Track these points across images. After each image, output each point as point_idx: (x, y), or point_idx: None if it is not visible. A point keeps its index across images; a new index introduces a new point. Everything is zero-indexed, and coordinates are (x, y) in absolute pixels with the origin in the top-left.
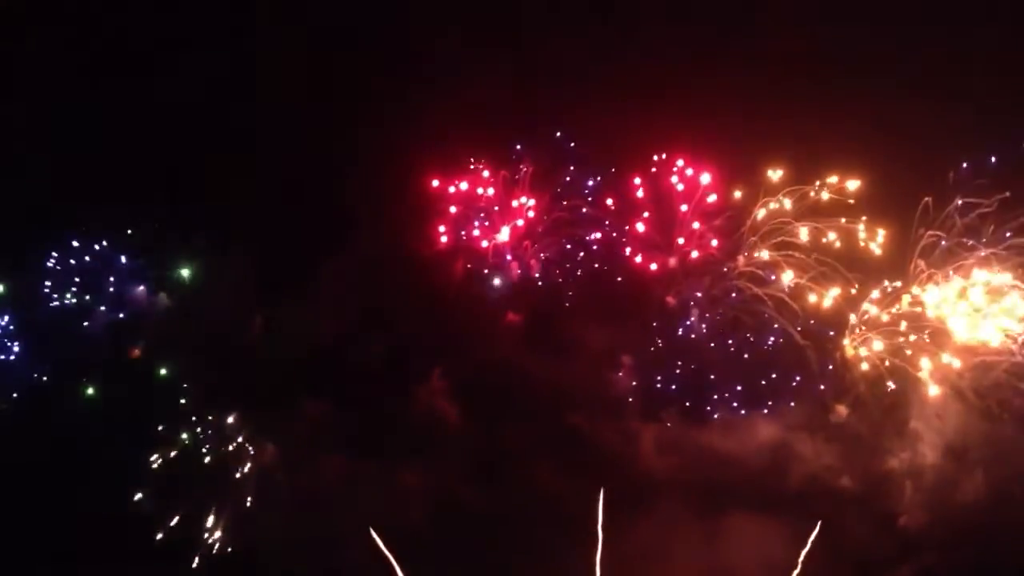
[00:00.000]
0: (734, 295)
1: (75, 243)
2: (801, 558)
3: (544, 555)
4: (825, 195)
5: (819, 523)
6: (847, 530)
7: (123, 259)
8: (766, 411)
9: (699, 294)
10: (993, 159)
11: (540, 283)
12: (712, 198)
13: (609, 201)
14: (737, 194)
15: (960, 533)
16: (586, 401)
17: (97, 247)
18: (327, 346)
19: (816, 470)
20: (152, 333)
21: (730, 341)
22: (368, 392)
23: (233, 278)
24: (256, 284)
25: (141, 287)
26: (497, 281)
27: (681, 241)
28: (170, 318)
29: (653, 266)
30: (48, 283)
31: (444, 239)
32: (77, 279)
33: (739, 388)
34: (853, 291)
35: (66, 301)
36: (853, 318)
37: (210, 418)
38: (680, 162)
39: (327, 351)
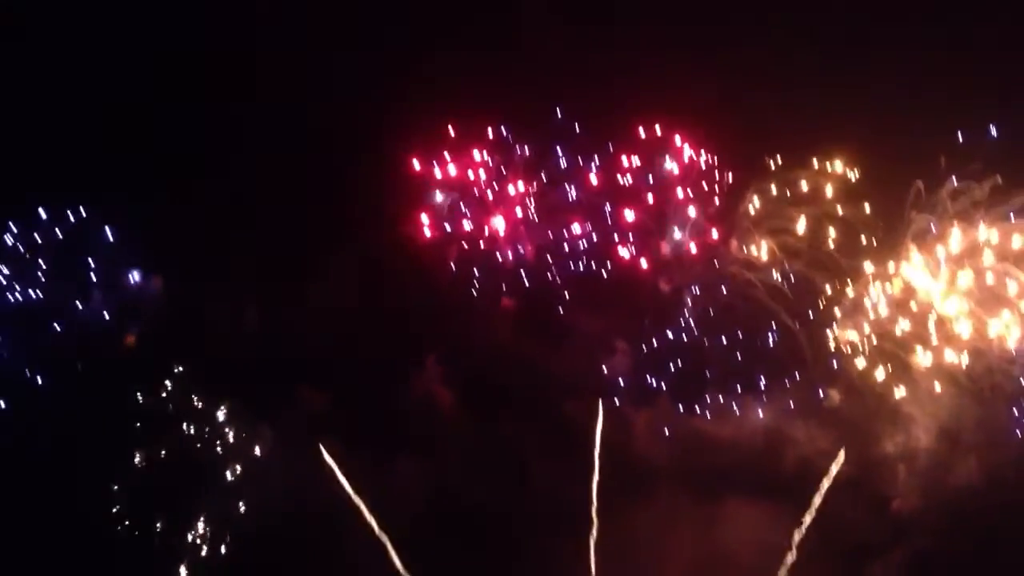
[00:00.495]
0: (726, 282)
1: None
2: (795, 541)
3: (538, 540)
4: (830, 189)
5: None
6: (841, 514)
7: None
8: (759, 397)
9: (694, 286)
10: (993, 129)
11: (535, 269)
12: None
13: (594, 177)
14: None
15: (953, 516)
16: (580, 387)
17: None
18: (321, 335)
19: (809, 454)
20: (145, 322)
21: (723, 327)
22: (360, 381)
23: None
24: (246, 270)
25: (133, 271)
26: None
27: (677, 235)
28: (166, 304)
29: (644, 263)
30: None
31: (430, 229)
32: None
33: (732, 374)
34: (849, 286)
35: (31, 291)
36: (845, 303)
37: (199, 403)
38: (678, 139)
39: (321, 340)
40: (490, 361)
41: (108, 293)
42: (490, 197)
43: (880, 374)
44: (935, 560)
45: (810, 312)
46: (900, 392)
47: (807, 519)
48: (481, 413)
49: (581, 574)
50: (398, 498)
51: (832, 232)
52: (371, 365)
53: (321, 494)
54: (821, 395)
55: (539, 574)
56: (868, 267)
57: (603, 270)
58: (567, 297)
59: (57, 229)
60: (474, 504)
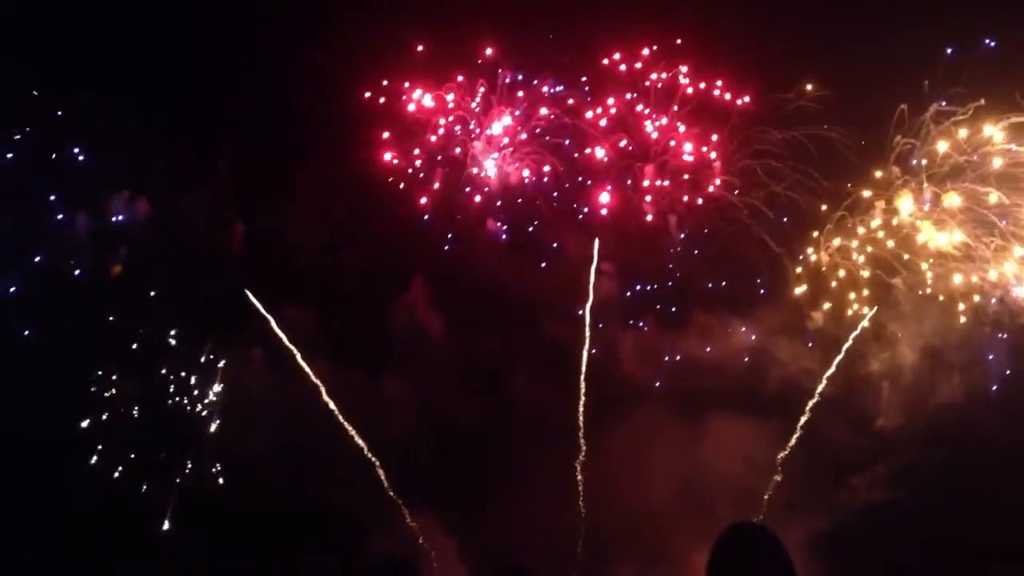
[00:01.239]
0: (711, 205)
1: None
2: (779, 460)
3: (526, 461)
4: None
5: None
6: (826, 432)
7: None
8: (743, 318)
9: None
10: (991, 42)
11: (518, 193)
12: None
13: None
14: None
15: (935, 434)
16: (564, 309)
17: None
18: (307, 256)
19: (793, 374)
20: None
21: (708, 249)
22: (346, 303)
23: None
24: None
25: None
26: None
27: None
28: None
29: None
30: None
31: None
32: None
33: (716, 295)
34: (823, 208)
35: None
36: (829, 226)
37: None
38: (684, 71)
39: (307, 262)
40: (476, 284)
41: (84, 221)
42: (471, 122)
43: (861, 295)
44: (917, 473)
45: (794, 235)
46: (882, 312)
47: (793, 438)
48: (468, 335)
49: (568, 492)
50: (385, 418)
51: (816, 155)
52: (356, 288)
53: (308, 417)
54: (804, 316)
55: (527, 492)
56: (851, 191)
57: (588, 193)
58: (551, 220)
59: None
60: (462, 424)
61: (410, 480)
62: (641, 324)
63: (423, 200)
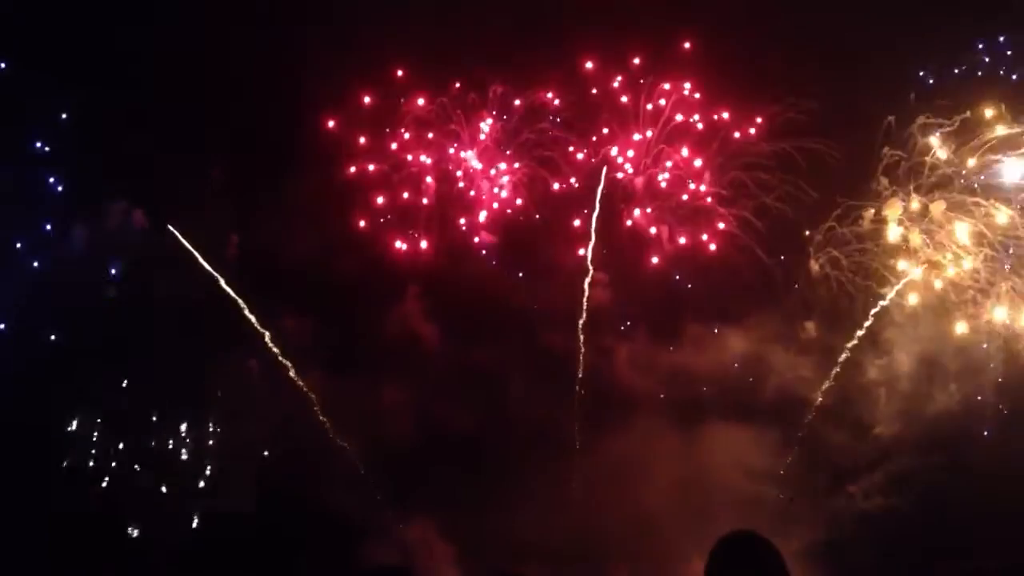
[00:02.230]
0: (701, 217)
1: None
2: (777, 469)
3: (521, 470)
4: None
5: None
6: (823, 441)
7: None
8: (735, 329)
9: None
10: (989, 49)
11: (510, 206)
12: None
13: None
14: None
15: (932, 440)
16: (559, 320)
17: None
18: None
19: (787, 384)
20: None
21: (699, 261)
22: (344, 311)
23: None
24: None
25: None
26: None
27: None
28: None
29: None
30: None
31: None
32: None
33: (708, 307)
34: (812, 219)
35: None
36: (818, 237)
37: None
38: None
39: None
40: (471, 296)
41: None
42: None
43: (853, 304)
44: (914, 480)
45: (785, 245)
46: (873, 322)
47: (793, 448)
48: (463, 347)
49: (565, 500)
50: (382, 427)
51: (804, 167)
52: (352, 301)
53: (304, 427)
54: (796, 327)
55: (524, 499)
56: (839, 200)
57: (580, 204)
58: (543, 233)
59: None
60: (459, 432)
61: (407, 488)
62: (635, 335)
63: (418, 211)
